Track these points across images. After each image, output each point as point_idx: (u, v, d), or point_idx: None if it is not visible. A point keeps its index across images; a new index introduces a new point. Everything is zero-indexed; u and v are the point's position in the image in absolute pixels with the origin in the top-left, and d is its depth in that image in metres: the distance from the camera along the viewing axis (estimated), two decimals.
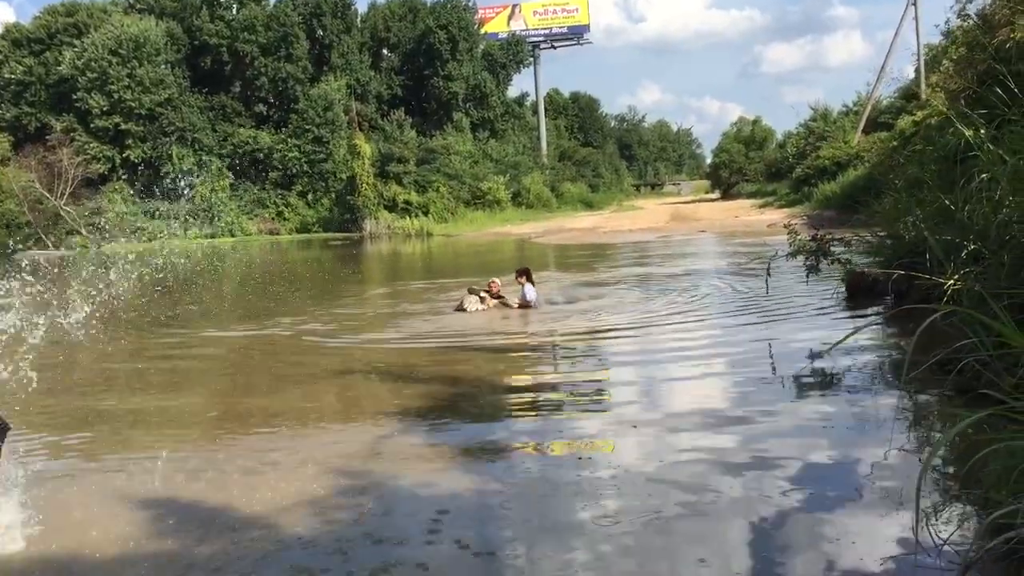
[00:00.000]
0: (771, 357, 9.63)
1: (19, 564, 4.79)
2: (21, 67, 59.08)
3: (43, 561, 4.83)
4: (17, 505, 5.36)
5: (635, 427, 6.74)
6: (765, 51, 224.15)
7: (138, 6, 63.88)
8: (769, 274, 12.32)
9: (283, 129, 61.34)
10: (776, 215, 35.67)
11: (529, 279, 14.22)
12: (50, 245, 53.77)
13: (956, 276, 7.35)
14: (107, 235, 55.12)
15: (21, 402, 6.56)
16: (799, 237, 12.75)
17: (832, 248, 12.69)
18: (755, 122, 74.94)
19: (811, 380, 8.35)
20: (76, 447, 7.19)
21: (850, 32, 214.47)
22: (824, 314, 11.99)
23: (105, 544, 4.97)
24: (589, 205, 67.03)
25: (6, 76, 59.07)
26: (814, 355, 9.33)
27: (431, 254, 37.11)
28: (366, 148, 56.58)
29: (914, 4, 43.19)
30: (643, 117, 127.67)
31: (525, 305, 13.96)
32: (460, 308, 14.00)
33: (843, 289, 13.02)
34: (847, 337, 8.95)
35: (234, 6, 63.40)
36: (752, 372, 8.78)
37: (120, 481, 6.13)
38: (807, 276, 12.77)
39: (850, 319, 11.68)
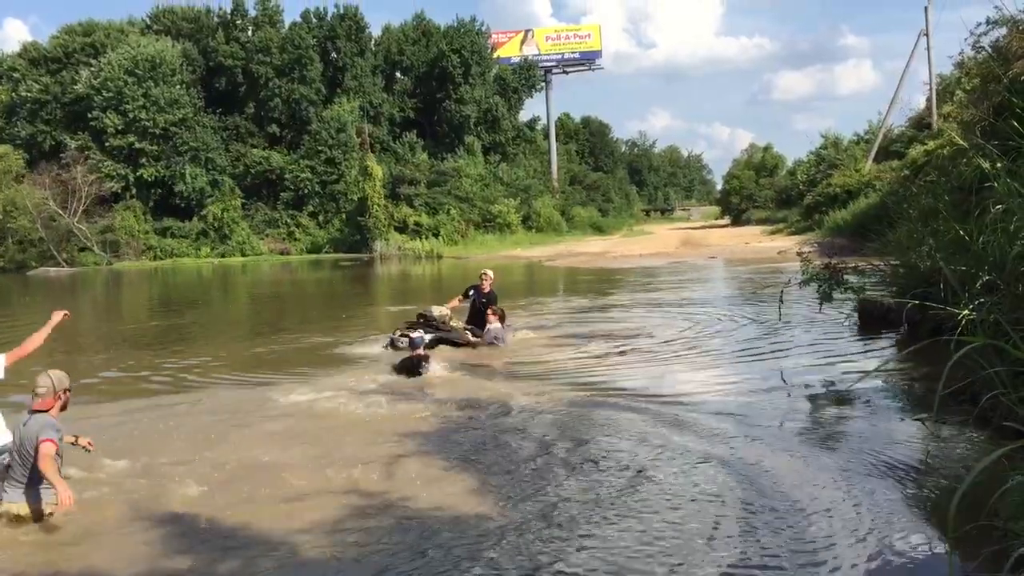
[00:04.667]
0: (785, 383, 9.59)
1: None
2: (38, 85, 59.62)
3: None
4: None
5: (640, 471, 6.65)
6: (775, 79, 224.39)
7: (155, 27, 64.56)
8: (782, 302, 12.31)
9: (296, 150, 61.71)
10: (786, 242, 35.64)
11: (502, 320, 13.11)
12: (62, 262, 54.03)
13: (970, 306, 7.34)
14: (119, 253, 55.52)
15: None
16: (812, 265, 12.74)
17: (845, 276, 12.67)
18: (766, 149, 75.17)
19: (827, 412, 8.31)
20: None
21: (860, 61, 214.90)
22: (837, 343, 11.96)
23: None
24: (599, 229, 67.10)
25: (23, 94, 59.59)
26: (827, 384, 9.31)
27: (440, 276, 37.18)
28: (377, 170, 56.84)
29: (926, 35, 43.31)
30: (653, 142, 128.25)
31: (476, 339, 12.84)
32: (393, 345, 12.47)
33: (855, 317, 13.02)
34: (876, 369, 8.76)
35: (250, 28, 64.06)
36: (769, 403, 8.75)
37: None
38: (820, 305, 12.74)
39: (863, 348, 11.64)
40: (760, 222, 58.51)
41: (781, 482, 6.02)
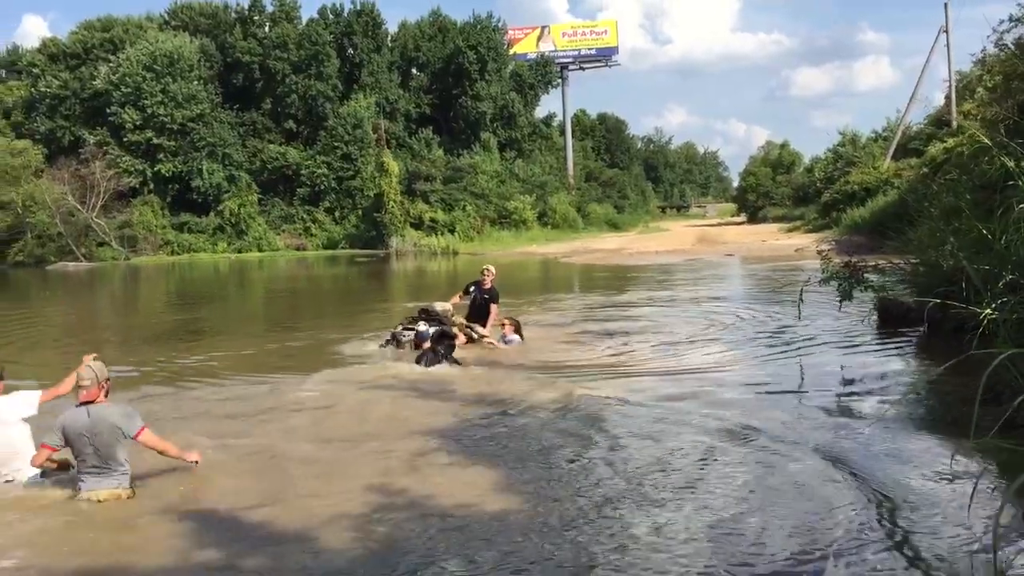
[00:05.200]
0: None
1: None
2: (57, 81, 60.03)
3: None
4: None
5: (662, 469, 6.64)
6: (792, 75, 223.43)
7: (173, 23, 64.88)
8: (802, 300, 12.25)
9: (312, 146, 61.89)
10: (803, 240, 35.52)
11: (518, 331, 12.70)
12: (81, 257, 54.41)
13: (993, 306, 7.29)
14: (136, 248, 55.88)
15: None
16: (832, 263, 12.66)
17: (865, 275, 12.59)
18: (783, 146, 74.87)
19: (849, 414, 8.26)
20: None
21: (879, 58, 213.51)
22: (857, 342, 11.89)
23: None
24: (615, 226, 66.98)
25: (42, 90, 60.01)
26: (845, 381, 9.28)
27: (456, 272, 37.20)
28: (393, 166, 56.93)
29: (946, 31, 42.99)
30: (669, 139, 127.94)
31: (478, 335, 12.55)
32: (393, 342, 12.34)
33: (874, 316, 12.93)
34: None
35: (267, 24, 64.26)
36: (789, 401, 8.72)
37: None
38: (840, 303, 12.66)
39: (883, 347, 11.57)
40: (777, 219, 58.32)
41: (802, 483, 5.99)
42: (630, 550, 4.90)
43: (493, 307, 12.98)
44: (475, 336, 12.57)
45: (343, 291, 31.61)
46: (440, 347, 11.12)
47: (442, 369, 10.81)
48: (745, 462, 6.57)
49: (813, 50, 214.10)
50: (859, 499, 5.60)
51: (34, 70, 61.55)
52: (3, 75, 70.26)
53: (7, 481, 6.37)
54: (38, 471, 6.44)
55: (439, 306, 12.68)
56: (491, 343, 12.42)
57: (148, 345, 15.24)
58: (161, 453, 6.24)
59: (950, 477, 5.93)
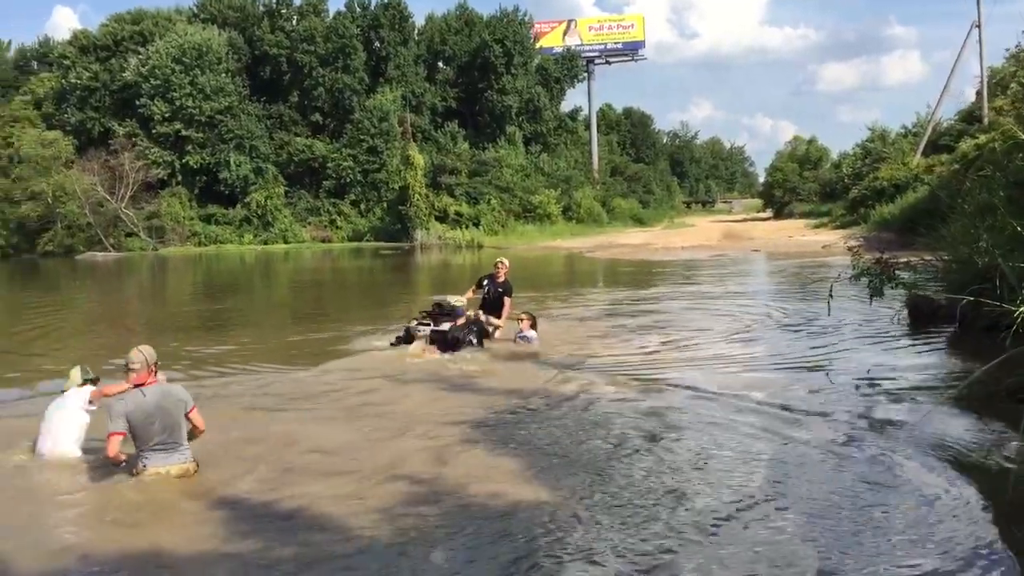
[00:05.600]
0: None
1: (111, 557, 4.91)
2: (87, 73, 60.51)
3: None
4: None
5: (699, 468, 6.61)
6: (820, 70, 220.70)
7: (201, 15, 65.19)
8: (831, 296, 12.14)
9: (338, 139, 62.08)
10: (831, 236, 35.21)
11: (534, 326, 12.43)
12: (109, 247, 54.96)
13: None
14: (164, 239, 56.38)
15: None
16: (862, 259, 12.54)
17: (896, 272, 12.46)
18: (810, 141, 74.21)
19: (882, 412, 8.18)
20: None
21: (908, 52, 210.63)
22: (887, 339, 11.78)
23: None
24: (640, 221, 66.69)
25: (72, 81, 60.51)
26: (876, 379, 9.19)
27: (481, 266, 37.20)
28: (419, 159, 57.03)
29: (978, 26, 42.45)
30: (695, 134, 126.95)
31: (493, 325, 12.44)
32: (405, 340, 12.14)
33: (905, 313, 12.80)
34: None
35: (294, 17, 64.48)
36: (818, 399, 8.65)
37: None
38: (870, 300, 12.54)
39: (914, 344, 11.45)
40: (803, 215, 57.79)
41: (826, 482, 5.95)
42: (677, 546, 4.89)
43: (507, 300, 12.83)
44: (489, 329, 12.50)
45: (368, 283, 31.73)
46: (470, 332, 11.18)
47: (467, 355, 10.91)
48: (778, 457, 6.53)
49: (841, 44, 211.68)
50: (911, 499, 5.56)
51: (65, 62, 62.07)
52: (34, 66, 71.02)
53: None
54: (72, 457, 6.79)
55: (453, 300, 12.57)
56: (522, 337, 12.35)
57: (175, 334, 15.36)
58: (198, 432, 6.45)
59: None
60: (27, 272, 43.45)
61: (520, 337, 12.29)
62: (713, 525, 5.14)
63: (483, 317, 12.47)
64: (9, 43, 74.66)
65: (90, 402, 7.15)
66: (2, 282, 38.21)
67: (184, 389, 6.52)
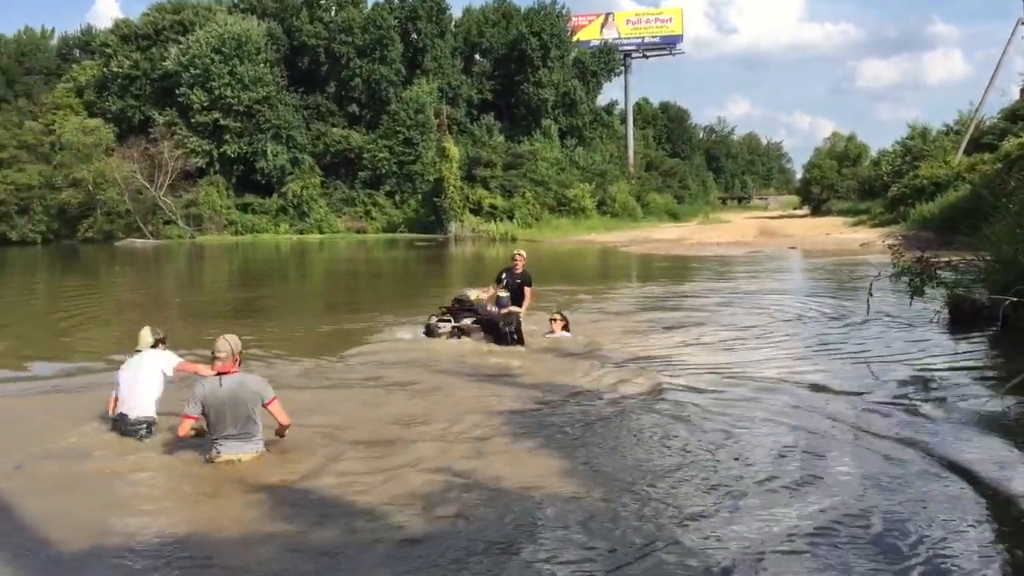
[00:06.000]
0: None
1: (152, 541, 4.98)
2: (128, 61, 61.31)
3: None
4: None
5: (738, 459, 6.56)
6: (860, 66, 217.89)
7: (241, 5, 65.73)
8: (871, 294, 11.97)
9: (374, 130, 62.35)
10: (869, 234, 34.81)
11: (566, 328, 12.30)
12: (148, 234, 55.67)
13: None
14: (201, 227, 57.02)
15: None
16: (903, 258, 12.35)
17: (937, 271, 12.26)
18: (849, 138, 73.27)
19: (925, 412, 8.05)
20: None
21: (950, 50, 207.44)
22: (928, 339, 11.59)
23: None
24: (674, 216, 66.33)
25: (114, 70, 61.34)
26: (917, 379, 9.05)
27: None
28: (454, 151, 57.12)
29: (1023, 23, 41.63)
30: (732, 129, 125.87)
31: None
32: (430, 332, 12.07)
33: (945, 313, 12.59)
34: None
35: (333, 8, 64.80)
36: (859, 399, 8.53)
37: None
38: (910, 299, 12.35)
39: (955, 344, 11.26)
40: (841, 213, 57.09)
41: (874, 482, 5.87)
42: (715, 542, 4.85)
43: (527, 290, 12.63)
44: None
45: (402, 274, 31.86)
46: (509, 324, 11.27)
47: (506, 348, 11.05)
48: (824, 455, 6.45)
49: (881, 41, 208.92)
50: (958, 501, 5.47)
51: (106, 50, 62.94)
52: (77, 55, 72.01)
53: (135, 424, 7.11)
54: (152, 416, 7.17)
55: (472, 294, 12.48)
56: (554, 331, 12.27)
57: (211, 321, 15.51)
58: (281, 427, 6.59)
59: None
60: (68, 257, 44.13)
61: (551, 336, 12.17)
62: (776, 527, 5.09)
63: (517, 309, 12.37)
64: (52, 31, 75.86)
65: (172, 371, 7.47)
66: (43, 267, 38.84)
67: (264, 381, 6.59)
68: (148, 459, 6.67)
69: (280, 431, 6.61)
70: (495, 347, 11.46)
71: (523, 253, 13.04)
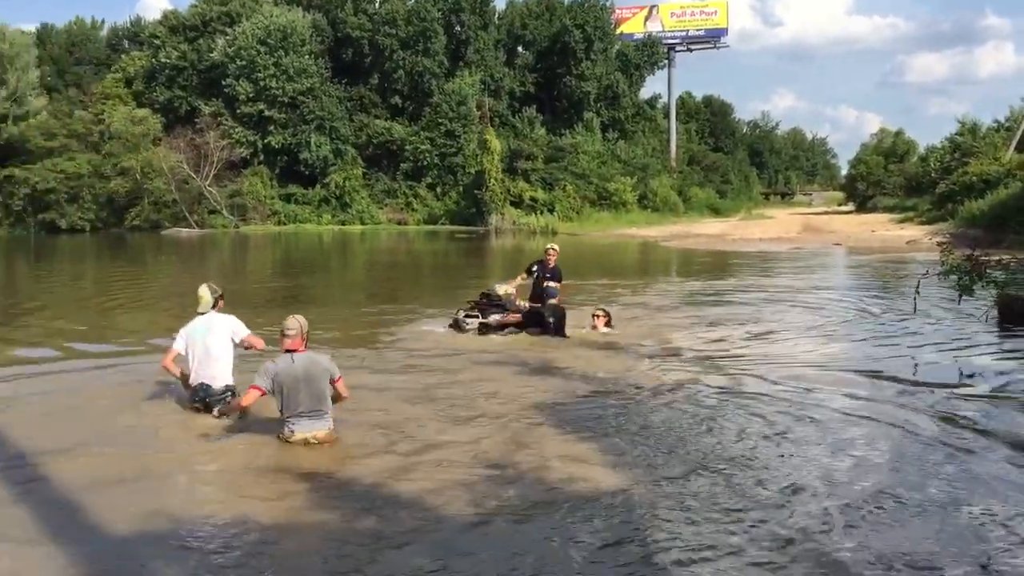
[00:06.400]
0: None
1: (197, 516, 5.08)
2: (176, 52, 62.18)
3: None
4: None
5: (784, 455, 6.51)
6: (909, 60, 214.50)
7: None
8: (918, 292, 11.79)
9: (417, 122, 62.58)
10: (916, 232, 34.22)
11: (608, 323, 12.27)
12: (193, 224, 56.42)
13: None
14: (246, 217, 57.68)
15: None
16: (952, 256, 12.14)
17: (987, 270, 12.03)
18: (897, 134, 72.22)
19: (972, 412, 7.93)
20: None
21: (1002, 43, 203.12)
22: (976, 339, 11.38)
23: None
24: (716, 211, 65.76)
25: (162, 60, 62.26)
26: (965, 377, 8.89)
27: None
28: (496, 144, 57.12)
29: None
30: (776, 124, 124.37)
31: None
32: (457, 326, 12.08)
33: (994, 313, 12.37)
34: None
35: (377, 0, 65.04)
36: (906, 398, 8.41)
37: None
38: (959, 298, 12.14)
39: (1003, 344, 11.05)
40: (887, 210, 56.24)
41: (917, 481, 5.79)
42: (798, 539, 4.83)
43: (557, 285, 12.59)
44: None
45: (442, 266, 31.96)
46: (554, 315, 11.42)
47: (549, 339, 11.22)
48: (867, 453, 6.38)
49: (931, 35, 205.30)
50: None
51: (155, 41, 63.89)
52: (126, 45, 73.20)
53: (221, 394, 7.32)
54: (234, 383, 7.41)
55: (500, 289, 12.39)
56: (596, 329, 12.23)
57: (254, 309, 15.67)
58: (341, 399, 6.78)
59: None
60: (115, 246, 44.87)
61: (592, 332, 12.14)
62: (825, 523, 5.05)
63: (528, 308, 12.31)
64: (103, 22, 77.29)
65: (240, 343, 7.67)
66: (91, 254, 39.53)
67: (331, 359, 6.77)
68: (218, 436, 6.87)
69: (337, 402, 6.74)
70: (537, 338, 11.50)
71: (556, 247, 12.93)
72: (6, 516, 5.24)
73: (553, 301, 11.82)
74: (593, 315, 12.39)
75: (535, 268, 12.65)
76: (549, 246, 12.95)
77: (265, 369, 6.47)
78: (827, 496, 5.45)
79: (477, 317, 12.03)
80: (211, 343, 7.47)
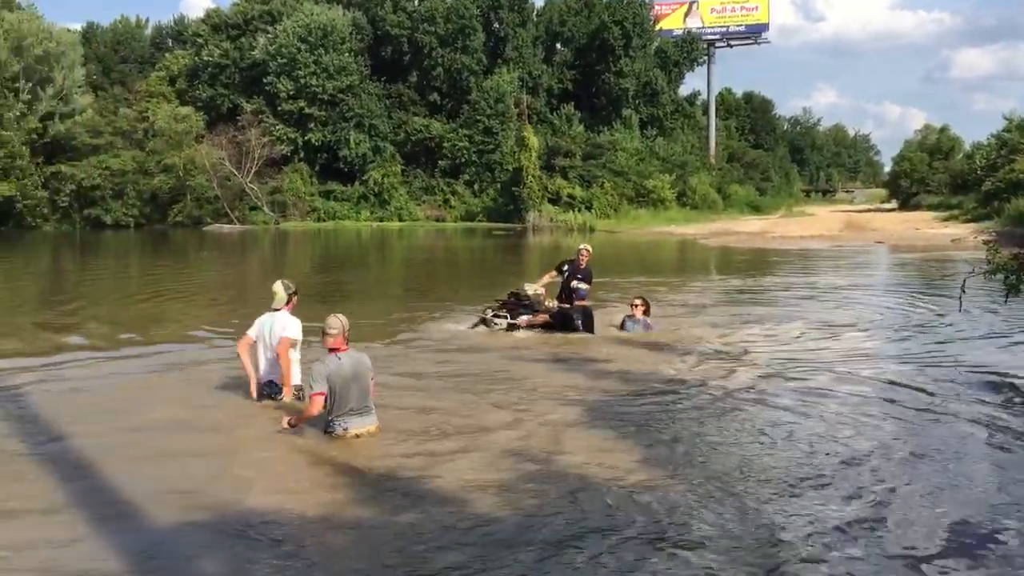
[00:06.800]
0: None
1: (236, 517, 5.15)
2: (218, 50, 62.96)
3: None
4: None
5: (848, 463, 6.47)
6: (954, 56, 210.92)
7: None
8: (964, 291, 11.57)
9: (455, 119, 62.71)
10: (961, 230, 33.65)
11: (647, 312, 12.30)
12: (234, 220, 57.08)
13: None
14: (286, 213, 58.25)
15: None
16: (999, 254, 11.88)
17: None
18: (942, 130, 70.89)
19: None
20: None
21: None
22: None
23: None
24: (756, 209, 65.00)
25: (205, 59, 63.07)
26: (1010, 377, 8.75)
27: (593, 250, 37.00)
28: (534, 141, 57.03)
29: None
30: (818, 120, 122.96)
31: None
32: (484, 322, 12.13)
33: None
34: None
35: None
36: (953, 398, 8.30)
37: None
38: (1006, 297, 11.90)
39: None
40: (931, 208, 55.36)
41: (975, 481, 5.71)
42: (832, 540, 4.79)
43: (588, 286, 12.44)
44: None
45: (479, 263, 32.03)
46: (581, 318, 11.40)
47: (580, 336, 11.25)
48: (911, 453, 6.30)
49: (977, 30, 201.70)
50: None
51: (198, 40, 64.72)
52: (170, 44, 74.17)
53: (268, 392, 7.63)
54: (299, 381, 7.66)
55: (529, 289, 12.31)
56: (634, 322, 12.14)
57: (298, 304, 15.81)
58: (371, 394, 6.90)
59: None
60: (159, 242, 45.55)
61: (630, 320, 12.11)
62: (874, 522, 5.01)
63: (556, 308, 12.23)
64: (147, 21, 78.28)
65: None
66: (135, 250, 40.16)
67: (368, 357, 6.91)
68: (264, 428, 7.02)
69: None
70: (569, 335, 11.46)
71: (589, 248, 12.75)
72: (56, 493, 5.46)
73: (581, 303, 11.80)
74: (631, 304, 12.39)
75: (566, 267, 12.56)
76: (582, 246, 12.78)
77: (319, 372, 6.54)
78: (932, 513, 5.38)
79: (506, 317, 12.01)
80: (275, 343, 7.63)
